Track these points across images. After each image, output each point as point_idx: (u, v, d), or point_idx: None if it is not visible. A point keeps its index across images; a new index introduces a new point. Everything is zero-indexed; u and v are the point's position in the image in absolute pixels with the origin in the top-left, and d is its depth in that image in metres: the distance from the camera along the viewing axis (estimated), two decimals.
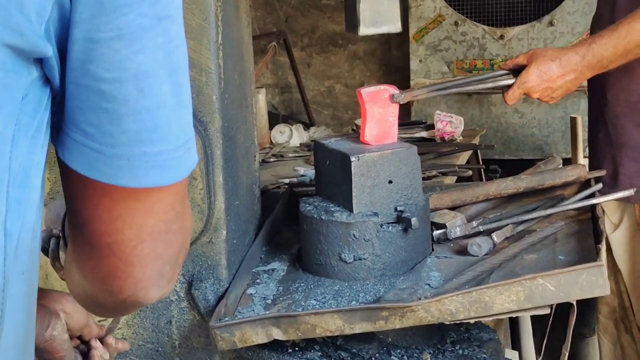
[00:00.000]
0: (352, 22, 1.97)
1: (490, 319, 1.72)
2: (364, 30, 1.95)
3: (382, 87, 2.02)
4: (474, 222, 2.08)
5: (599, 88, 2.52)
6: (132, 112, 0.86)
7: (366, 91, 1.98)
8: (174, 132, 0.90)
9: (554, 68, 2.18)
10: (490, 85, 2.26)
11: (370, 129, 1.99)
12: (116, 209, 0.91)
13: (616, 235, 2.58)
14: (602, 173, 2.37)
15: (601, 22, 2.45)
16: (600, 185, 2.22)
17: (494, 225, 2.05)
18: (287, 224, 2.29)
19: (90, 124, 0.86)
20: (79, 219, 0.94)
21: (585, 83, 2.54)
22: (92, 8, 0.83)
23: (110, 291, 0.98)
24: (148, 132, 0.87)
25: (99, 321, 1.42)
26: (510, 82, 2.23)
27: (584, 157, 3.51)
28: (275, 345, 1.80)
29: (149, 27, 0.85)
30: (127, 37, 0.84)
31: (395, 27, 1.98)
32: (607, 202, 2.51)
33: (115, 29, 0.83)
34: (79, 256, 0.99)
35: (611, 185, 2.36)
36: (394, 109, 2.01)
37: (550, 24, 4.50)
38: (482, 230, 2.05)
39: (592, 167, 2.53)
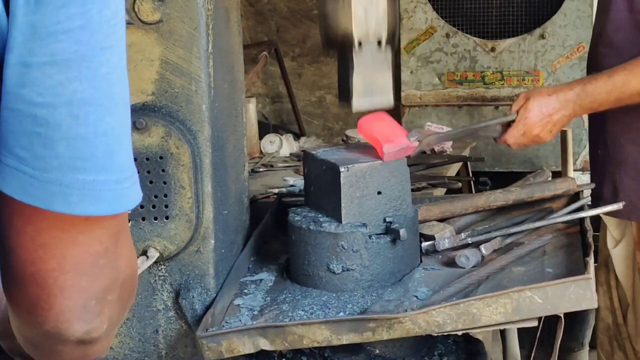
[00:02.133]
0: (345, 95, 1.99)
1: (478, 331, 1.73)
2: (357, 101, 1.97)
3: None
4: (462, 234, 2.09)
5: (599, 114, 2.54)
6: (65, 137, 0.86)
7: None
8: (116, 164, 0.90)
9: (552, 102, 2.25)
10: (491, 122, 2.36)
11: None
12: (40, 237, 0.91)
13: (618, 250, 2.59)
14: (590, 186, 2.38)
15: (602, 39, 2.46)
16: (589, 199, 2.23)
17: (483, 237, 2.05)
18: (275, 234, 2.29)
19: (24, 148, 0.86)
20: (5, 247, 0.94)
21: None
22: (26, 33, 0.84)
23: (33, 322, 0.97)
24: (83, 159, 0.87)
25: None
26: (507, 118, 2.28)
27: (574, 170, 3.53)
28: (262, 356, 1.80)
29: (89, 55, 0.86)
30: (62, 63, 0.85)
31: (388, 100, 2.00)
32: (609, 218, 2.52)
33: (49, 54, 0.84)
34: (7, 287, 0.98)
35: (612, 202, 2.37)
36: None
37: (542, 36, 4.52)
38: (470, 242, 2.05)
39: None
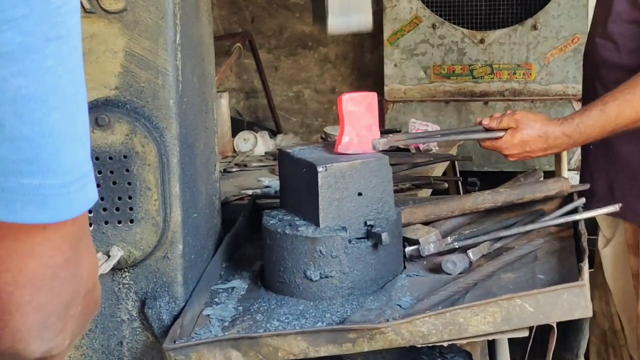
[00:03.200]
0: (319, 13, 1.97)
1: (465, 341, 1.73)
2: (333, 21, 1.95)
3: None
4: (448, 238, 2.09)
5: (591, 102, 2.56)
6: (9, 139, 0.83)
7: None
8: (64, 166, 0.87)
9: (539, 143, 2.27)
10: (471, 137, 2.39)
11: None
12: None
13: (607, 251, 2.61)
14: (585, 187, 2.39)
15: (600, 30, 2.47)
16: (583, 200, 2.24)
17: (470, 241, 2.06)
18: (249, 239, 2.29)
19: None
20: None
21: (579, 92, 2.60)
22: None
23: None
24: (27, 162, 0.84)
25: None
26: (491, 135, 2.29)
27: (568, 169, 3.54)
28: None
29: (34, 47, 0.83)
30: (5, 56, 0.82)
31: (366, 20, 1.98)
32: (602, 217, 2.54)
33: None
34: None
35: (607, 201, 2.39)
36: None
37: (534, 27, 4.54)
38: (457, 247, 2.05)
39: (584, 181, 2.56)
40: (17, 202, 0.85)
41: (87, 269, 0.97)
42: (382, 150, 2.07)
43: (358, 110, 2.03)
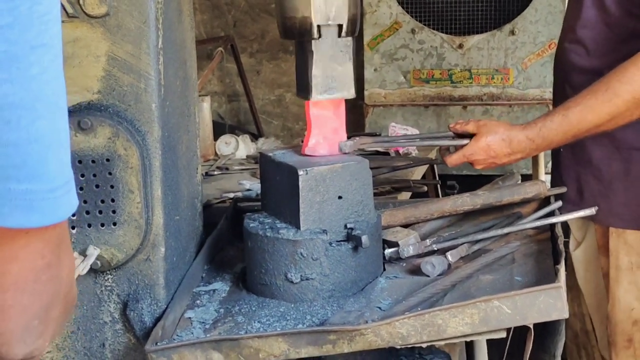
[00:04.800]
0: (304, 88, 1.99)
1: (444, 342, 1.73)
2: (316, 97, 1.97)
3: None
4: (427, 240, 2.09)
5: (560, 103, 2.57)
6: None
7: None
8: (51, 171, 0.88)
9: (503, 147, 2.25)
10: (435, 143, 2.41)
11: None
12: None
13: (577, 253, 2.62)
14: (562, 190, 2.40)
15: (569, 35, 2.49)
16: (560, 203, 2.25)
17: (449, 244, 2.06)
18: (231, 242, 2.29)
19: None
20: None
21: (550, 96, 2.60)
22: None
23: None
24: (15, 168, 0.85)
25: None
26: (456, 142, 2.28)
27: (546, 173, 3.55)
28: None
29: (19, 55, 0.84)
30: None
31: (349, 93, 2.01)
32: (573, 220, 2.55)
33: None
34: None
35: (577, 203, 2.40)
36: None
37: (512, 33, 4.56)
38: (436, 249, 2.06)
39: (554, 184, 2.57)
40: (4, 207, 0.85)
41: (67, 271, 0.98)
42: (361, 153, 2.07)
43: (325, 114, 2.03)
